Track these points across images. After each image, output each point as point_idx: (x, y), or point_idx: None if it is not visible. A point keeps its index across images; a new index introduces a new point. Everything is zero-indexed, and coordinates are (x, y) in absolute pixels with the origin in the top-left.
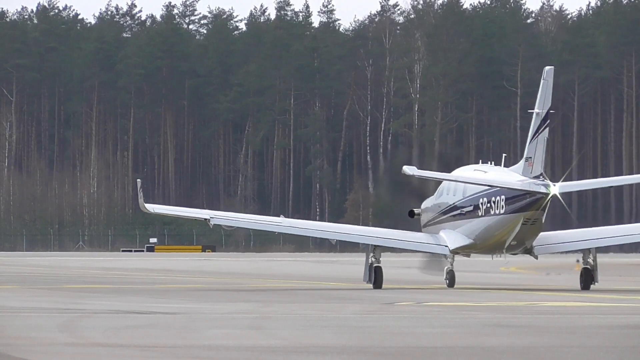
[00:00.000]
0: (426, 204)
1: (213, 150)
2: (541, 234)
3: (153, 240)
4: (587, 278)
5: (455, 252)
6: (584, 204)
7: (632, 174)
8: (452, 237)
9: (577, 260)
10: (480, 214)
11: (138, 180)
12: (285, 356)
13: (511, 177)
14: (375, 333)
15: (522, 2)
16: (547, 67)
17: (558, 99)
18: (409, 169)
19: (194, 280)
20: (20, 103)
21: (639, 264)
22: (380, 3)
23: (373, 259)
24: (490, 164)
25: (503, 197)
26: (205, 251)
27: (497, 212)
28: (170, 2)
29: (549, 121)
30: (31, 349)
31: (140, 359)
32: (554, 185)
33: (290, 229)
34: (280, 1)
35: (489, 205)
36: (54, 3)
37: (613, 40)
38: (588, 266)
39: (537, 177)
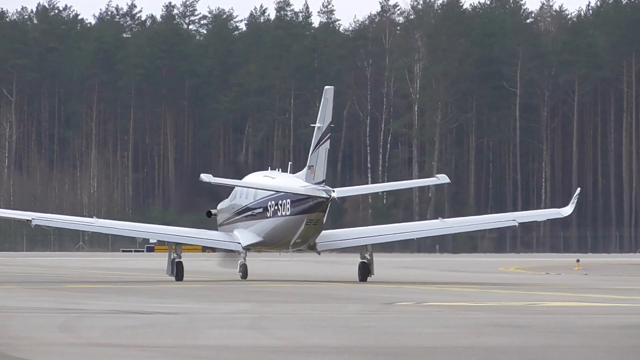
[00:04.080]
0: (222, 205)
1: (213, 150)
2: (324, 232)
3: (153, 240)
4: (364, 271)
5: (247, 248)
6: (585, 204)
7: (632, 173)
8: (244, 235)
9: (577, 260)
10: (269, 215)
11: None
12: (285, 356)
13: (296, 183)
14: (375, 333)
15: (522, 2)
16: (327, 87)
17: (558, 99)
18: (205, 177)
19: (193, 280)
20: (20, 103)
21: (638, 264)
22: (380, 3)
23: (175, 255)
24: (278, 170)
25: (289, 200)
26: (205, 251)
27: (283, 213)
28: (170, 2)
29: (330, 134)
30: (31, 349)
31: (140, 359)
32: (334, 191)
33: (101, 229)
34: (280, 1)
35: (276, 207)
36: (54, 3)
37: (613, 40)
38: (365, 260)
39: (319, 183)
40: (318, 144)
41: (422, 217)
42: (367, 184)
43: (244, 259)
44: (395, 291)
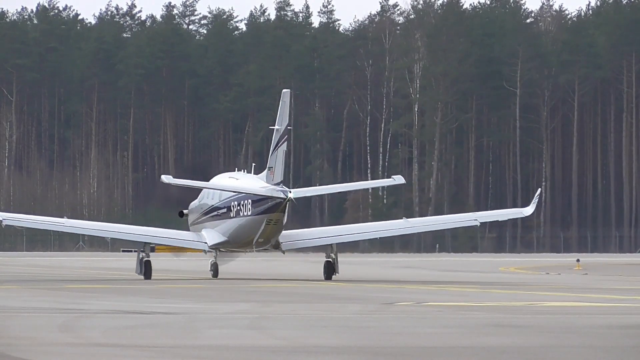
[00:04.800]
0: (192, 206)
1: (213, 150)
2: (289, 231)
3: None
4: (329, 270)
5: (213, 248)
6: (585, 204)
7: (632, 173)
8: (210, 235)
9: (577, 260)
10: (232, 215)
11: None
12: (285, 356)
13: (257, 183)
14: (375, 333)
15: (522, 2)
16: (285, 90)
17: (558, 99)
18: (165, 178)
19: (193, 280)
20: (20, 103)
21: (639, 264)
22: (380, 3)
23: (143, 254)
24: (243, 171)
25: (250, 200)
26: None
27: (245, 213)
28: (170, 2)
29: (287, 136)
30: (31, 349)
31: (140, 359)
32: (290, 191)
33: (71, 229)
34: (280, 1)
35: (239, 207)
36: (54, 3)
37: (613, 40)
38: (330, 259)
39: (277, 184)
40: (277, 145)
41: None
42: None
43: (215, 257)
44: (395, 291)
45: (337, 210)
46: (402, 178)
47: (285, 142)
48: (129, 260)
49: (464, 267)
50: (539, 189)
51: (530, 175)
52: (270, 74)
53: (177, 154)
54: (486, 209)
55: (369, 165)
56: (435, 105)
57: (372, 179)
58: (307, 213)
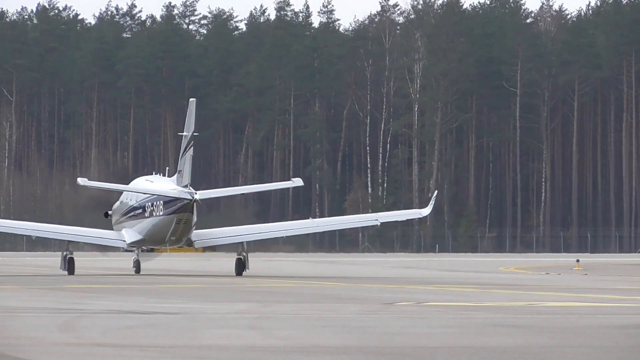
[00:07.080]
0: (115, 206)
1: (213, 150)
2: (202, 230)
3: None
4: (240, 266)
5: (131, 245)
6: (585, 204)
7: (632, 173)
8: (129, 233)
9: (577, 260)
10: (147, 215)
11: None
12: (285, 356)
13: (168, 186)
14: (375, 333)
15: (522, 2)
16: (191, 99)
17: (558, 99)
18: (81, 181)
19: (193, 280)
20: (20, 103)
21: (639, 264)
22: (380, 3)
23: (67, 252)
24: (159, 175)
25: (161, 202)
26: (204, 251)
27: (158, 213)
28: (170, 2)
29: (193, 142)
30: (31, 349)
31: (140, 359)
32: (196, 193)
33: (3, 228)
34: (280, 1)
35: (152, 208)
36: (54, 3)
37: (613, 40)
38: (241, 257)
39: (185, 186)
40: (185, 150)
41: None
42: (367, 184)
43: (137, 255)
44: (395, 291)
45: (337, 210)
46: (300, 180)
47: (192, 148)
48: (128, 260)
49: (464, 267)
50: (436, 191)
51: (530, 175)
52: (270, 74)
53: (177, 154)
54: (486, 209)
55: (369, 165)
56: (435, 105)
57: (372, 178)
58: (306, 214)
